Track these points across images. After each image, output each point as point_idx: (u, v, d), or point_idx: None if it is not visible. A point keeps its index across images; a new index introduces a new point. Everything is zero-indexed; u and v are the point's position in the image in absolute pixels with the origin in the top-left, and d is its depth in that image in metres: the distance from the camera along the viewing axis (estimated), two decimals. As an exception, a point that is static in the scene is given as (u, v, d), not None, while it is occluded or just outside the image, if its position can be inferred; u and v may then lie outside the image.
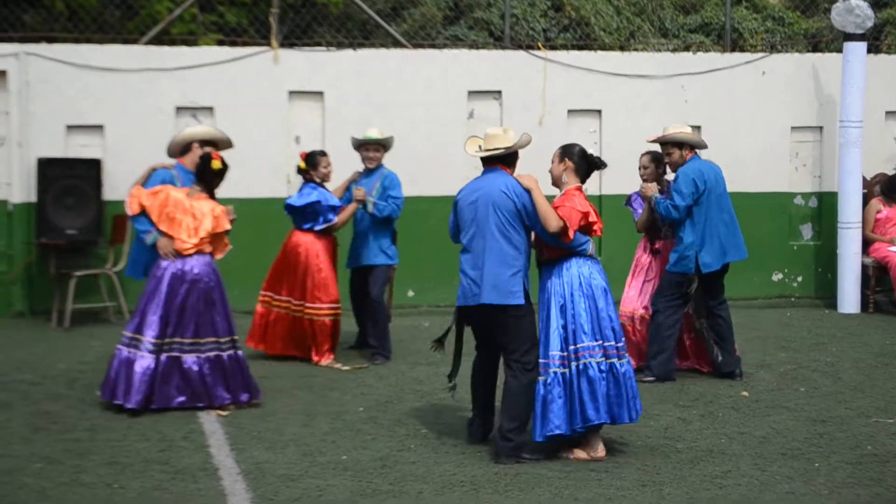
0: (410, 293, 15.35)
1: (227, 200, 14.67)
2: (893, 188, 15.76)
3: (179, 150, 11.18)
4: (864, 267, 15.46)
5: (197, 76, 14.74)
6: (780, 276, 16.32)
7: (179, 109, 14.73)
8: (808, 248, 16.46)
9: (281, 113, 14.96)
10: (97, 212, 14.17)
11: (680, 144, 11.49)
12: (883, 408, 10.36)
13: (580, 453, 8.90)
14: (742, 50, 17.04)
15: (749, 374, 11.65)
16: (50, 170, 14.07)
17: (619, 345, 8.93)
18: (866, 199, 15.75)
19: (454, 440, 9.28)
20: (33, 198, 14.20)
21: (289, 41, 15.34)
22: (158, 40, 15.03)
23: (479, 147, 9.12)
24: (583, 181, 9.25)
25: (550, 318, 8.85)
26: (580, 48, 16.44)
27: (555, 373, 8.79)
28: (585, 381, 8.76)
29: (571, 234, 8.78)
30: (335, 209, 12.13)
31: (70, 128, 14.45)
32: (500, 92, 15.55)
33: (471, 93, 15.48)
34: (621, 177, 15.81)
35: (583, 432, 8.84)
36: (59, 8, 15.05)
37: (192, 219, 10.21)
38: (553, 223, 8.70)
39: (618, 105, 15.77)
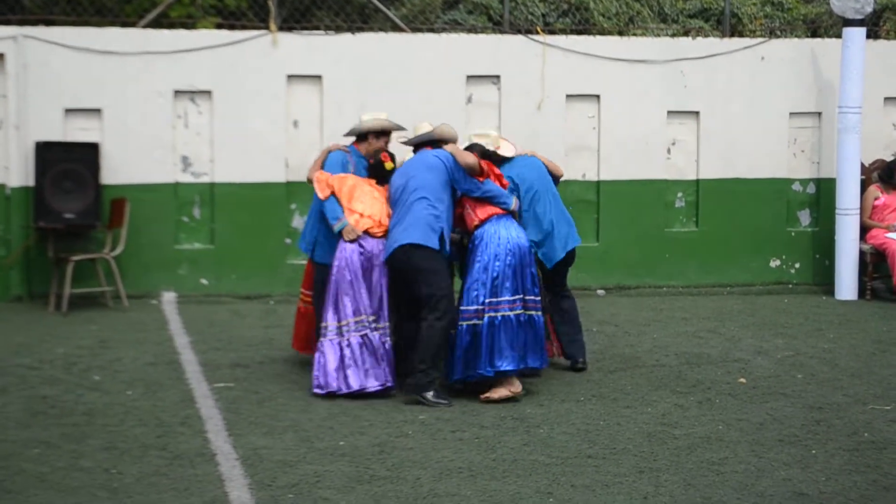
0: (408, 278, 15.32)
1: (225, 184, 14.76)
2: (892, 174, 15.76)
3: (357, 135, 11.10)
4: (862, 253, 15.46)
5: (195, 60, 14.71)
6: (778, 262, 16.32)
7: (178, 93, 14.70)
8: (806, 234, 16.46)
9: (279, 97, 14.94)
10: (95, 196, 14.14)
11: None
12: (880, 395, 10.38)
13: (500, 391, 9.96)
14: (741, 35, 17.01)
15: (747, 360, 11.67)
16: (48, 153, 14.05)
17: (538, 298, 10.10)
18: (864, 186, 15.74)
19: (452, 426, 9.29)
20: (31, 181, 14.18)
21: (287, 25, 15.31)
22: (157, 23, 15.00)
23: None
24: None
25: (471, 273, 10.05)
26: (579, 33, 16.42)
27: (466, 325, 9.96)
28: (503, 332, 9.93)
29: (485, 168, 10.28)
30: None
31: (68, 111, 14.42)
32: (498, 76, 15.52)
33: (469, 77, 15.45)
34: (620, 162, 15.83)
35: (497, 377, 9.97)
36: (58, -9, 15.03)
37: (381, 204, 10.49)
38: (469, 159, 10.14)
39: (616, 90, 15.75)
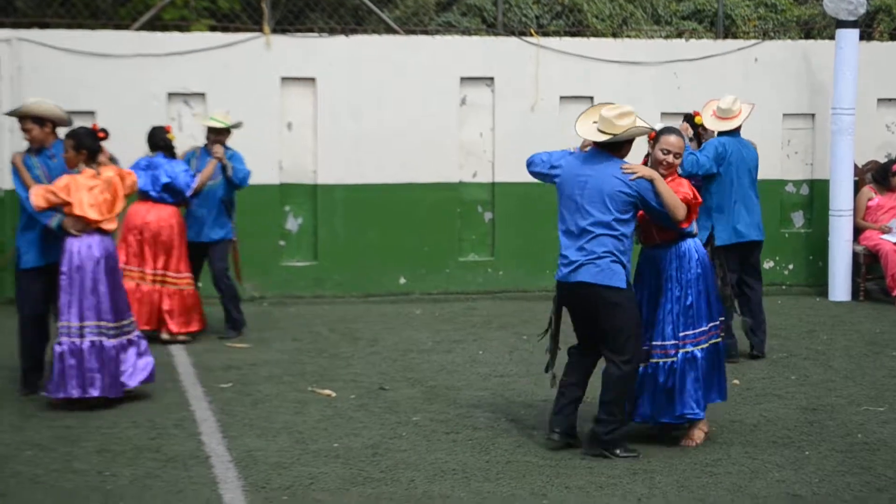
0: (402, 280, 15.34)
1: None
2: (885, 176, 15.77)
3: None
4: (856, 255, 15.47)
5: (189, 62, 14.71)
6: (772, 263, 16.33)
7: (171, 95, 14.70)
8: (800, 235, 16.47)
9: (273, 99, 14.94)
10: (89, 198, 14.11)
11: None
12: (873, 396, 10.39)
13: (697, 434, 8.91)
14: (734, 37, 17.03)
15: (740, 361, 11.66)
16: (42, 156, 14.02)
17: (721, 322, 8.91)
18: (858, 187, 15.76)
19: (446, 428, 9.30)
20: (25, 184, 14.15)
21: (281, 27, 15.31)
22: (151, 26, 15.00)
23: (594, 123, 8.72)
24: None
25: (660, 304, 8.73)
26: (573, 35, 16.43)
27: (656, 363, 8.72)
28: (699, 367, 8.72)
29: (694, 214, 8.68)
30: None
31: (62, 113, 14.42)
32: (492, 78, 15.53)
33: (463, 79, 15.46)
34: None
35: (699, 418, 8.84)
36: (51, -7, 15.03)
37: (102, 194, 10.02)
38: (681, 212, 8.52)
39: (610, 91, 15.70)
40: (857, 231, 15.55)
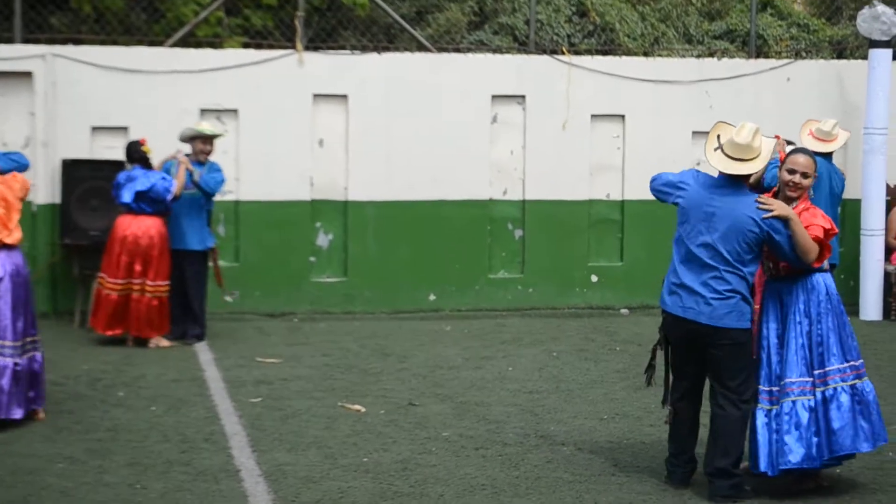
0: (432, 297, 15.36)
1: (250, 203, 14.80)
2: (917, 196, 15.74)
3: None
4: (887, 274, 15.41)
5: (222, 79, 14.78)
6: (803, 282, 16.26)
7: (204, 111, 14.76)
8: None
9: (305, 116, 14.99)
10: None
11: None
12: (905, 415, 10.34)
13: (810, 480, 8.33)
14: (766, 56, 17.00)
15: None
16: (74, 171, 14.12)
17: (862, 361, 8.27)
18: (890, 207, 15.70)
19: (475, 444, 9.29)
20: (57, 199, 14.26)
21: (314, 44, 15.36)
22: (184, 43, 15.07)
23: (720, 142, 8.18)
24: None
25: (789, 340, 8.13)
26: (604, 53, 16.44)
27: (794, 402, 8.04)
28: (835, 408, 8.05)
29: (826, 252, 8.06)
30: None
31: (95, 129, 14.50)
32: (523, 97, 15.55)
33: (494, 97, 15.48)
34: (644, 182, 15.77)
35: (831, 464, 8.29)
36: (86, 10, 15.10)
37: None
38: (812, 255, 7.93)
39: (641, 110, 15.76)
40: (889, 251, 15.50)
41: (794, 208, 8.02)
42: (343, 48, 15.48)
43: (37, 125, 14.39)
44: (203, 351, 12.72)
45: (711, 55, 16.95)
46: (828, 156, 11.40)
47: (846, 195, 16.12)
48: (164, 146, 14.29)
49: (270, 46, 15.34)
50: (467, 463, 8.80)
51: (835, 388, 8.07)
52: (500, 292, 15.59)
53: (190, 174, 12.96)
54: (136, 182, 12.79)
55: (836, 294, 8.25)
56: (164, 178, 12.83)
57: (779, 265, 8.19)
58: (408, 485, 8.26)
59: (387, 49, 15.66)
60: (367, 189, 15.13)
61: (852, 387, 8.12)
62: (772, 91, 16.06)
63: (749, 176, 8.13)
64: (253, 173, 14.86)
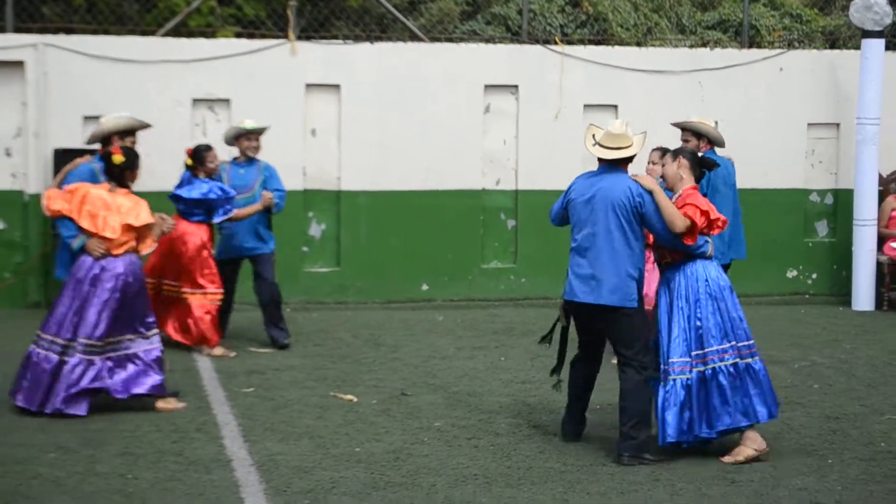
0: (425, 287, 15.36)
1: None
2: (910, 185, 15.76)
3: (100, 142, 11.11)
4: (880, 264, 15.43)
5: (214, 68, 14.76)
6: (795, 272, 16.31)
7: (196, 101, 14.75)
8: (824, 245, 16.44)
9: (298, 106, 14.98)
10: (113, 203, 14.18)
11: (699, 135, 11.37)
12: (897, 405, 10.37)
13: (745, 451, 8.72)
14: (759, 47, 17.01)
15: (763, 370, 11.63)
16: (66, 160, 14.03)
17: (751, 342, 8.80)
18: (882, 197, 15.72)
19: (467, 434, 9.30)
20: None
21: (306, 34, 15.35)
22: (176, 32, 15.06)
23: (595, 139, 9.03)
24: (698, 181, 9.05)
25: (672, 323, 8.76)
26: (597, 43, 16.44)
27: (674, 380, 8.65)
28: (715, 387, 8.65)
29: (697, 234, 8.68)
30: (231, 200, 12.01)
31: (87, 119, 14.46)
32: (516, 86, 15.55)
33: (487, 87, 15.48)
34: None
35: (714, 438, 8.79)
36: (78, 0, 15.08)
37: (116, 215, 9.76)
38: (679, 224, 8.59)
39: (634, 100, 15.75)
40: (882, 240, 15.50)
41: (681, 192, 8.85)
42: (336, 38, 15.47)
43: (28, 115, 14.37)
44: (195, 341, 12.71)
45: (704, 45, 16.97)
46: (711, 149, 11.28)
47: (838, 185, 16.33)
48: (156, 136, 14.29)
49: (263, 36, 15.33)
50: (459, 453, 8.80)
51: (713, 368, 8.66)
52: (493, 282, 15.60)
53: (270, 210, 12.37)
54: (194, 188, 12.01)
55: (720, 280, 8.81)
56: (224, 194, 11.98)
57: (665, 253, 8.87)
58: (400, 475, 8.26)
59: (379, 39, 15.65)
60: (360, 179, 15.13)
61: (734, 366, 8.69)
62: (764, 81, 16.07)
63: (627, 164, 8.96)
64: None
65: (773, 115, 16.12)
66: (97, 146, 11.47)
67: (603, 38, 16.73)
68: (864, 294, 15.43)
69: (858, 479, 8.32)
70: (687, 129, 11.40)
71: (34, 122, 14.35)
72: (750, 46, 16.70)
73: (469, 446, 8.99)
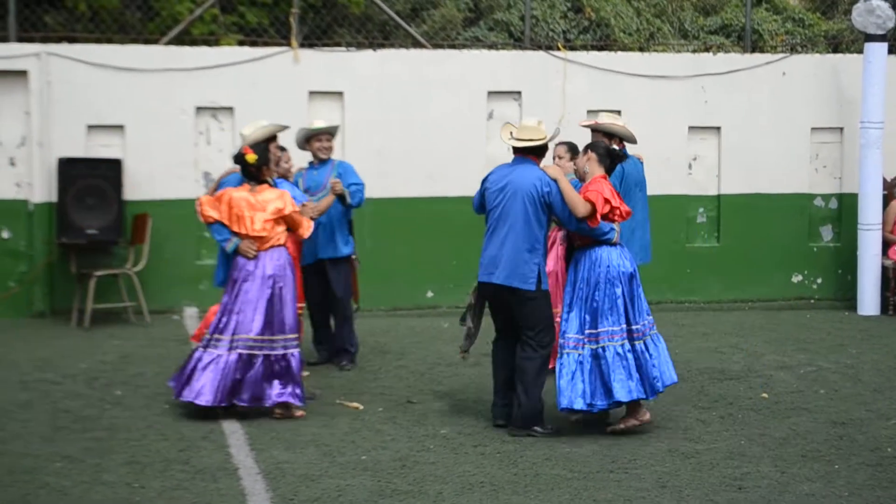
0: (430, 294, 15.36)
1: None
2: (914, 190, 15.74)
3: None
4: (885, 269, 15.41)
5: (217, 76, 14.77)
6: (800, 277, 16.29)
7: (199, 109, 14.76)
8: (828, 249, 16.42)
9: (301, 113, 14.96)
10: (118, 212, 14.20)
11: (610, 135, 11.06)
12: (903, 410, 10.36)
13: (628, 421, 9.56)
14: (762, 51, 17.01)
15: (769, 375, 11.64)
16: (70, 169, 14.11)
17: (643, 325, 9.57)
18: (886, 201, 15.70)
19: (474, 441, 9.29)
20: (54, 197, 14.24)
21: (309, 41, 15.35)
22: (179, 41, 15.06)
23: (511, 134, 9.74)
24: (608, 173, 9.74)
25: (573, 302, 9.56)
26: (600, 49, 16.43)
27: (568, 353, 9.46)
28: (605, 363, 9.41)
29: (598, 217, 9.35)
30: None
31: (91, 128, 14.49)
32: (519, 92, 15.54)
33: (490, 93, 15.48)
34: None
35: (607, 409, 9.56)
36: (81, 9, 15.09)
37: (262, 212, 10.09)
38: (581, 209, 9.30)
39: (637, 105, 15.74)
40: (886, 245, 15.49)
41: (587, 182, 9.57)
42: (338, 45, 15.48)
43: (32, 124, 14.37)
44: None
45: (707, 50, 16.96)
46: (624, 147, 11.10)
47: (842, 189, 16.32)
48: (160, 144, 14.34)
49: (266, 44, 15.33)
50: (466, 460, 8.80)
51: (603, 347, 9.46)
52: (497, 289, 15.56)
53: (341, 198, 11.83)
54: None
55: (622, 266, 9.53)
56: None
57: (576, 238, 9.65)
58: (406, 482, 8.26)
59: (382, 46, 15.66)
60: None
61: (622, 346, 9.45)
62: (767, 86, 16.06)
63: (540, 157, 9.74)
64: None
65: (777, 120, 16.11)
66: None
67: (605, 43, 16.72)
68: (869, 298, 15.41)
69: (865, 484, 8.31)
70: (597, 131, 11.06)
71: (38, 132, 14.35)
72: (753, 51, 16.69)
73: (475, 454, 8.98)
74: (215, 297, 14.46)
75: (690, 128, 15.88)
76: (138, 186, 14.49)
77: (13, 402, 10.38)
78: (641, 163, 11.22)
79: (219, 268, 10.78)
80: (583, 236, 9.58)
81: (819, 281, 16.34)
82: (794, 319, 15.03)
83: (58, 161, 14.17)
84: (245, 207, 10.06)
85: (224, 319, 10.02)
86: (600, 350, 9.45)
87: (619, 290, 9.49)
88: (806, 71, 16.19)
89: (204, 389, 9.80)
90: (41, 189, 14.36)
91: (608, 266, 9.50)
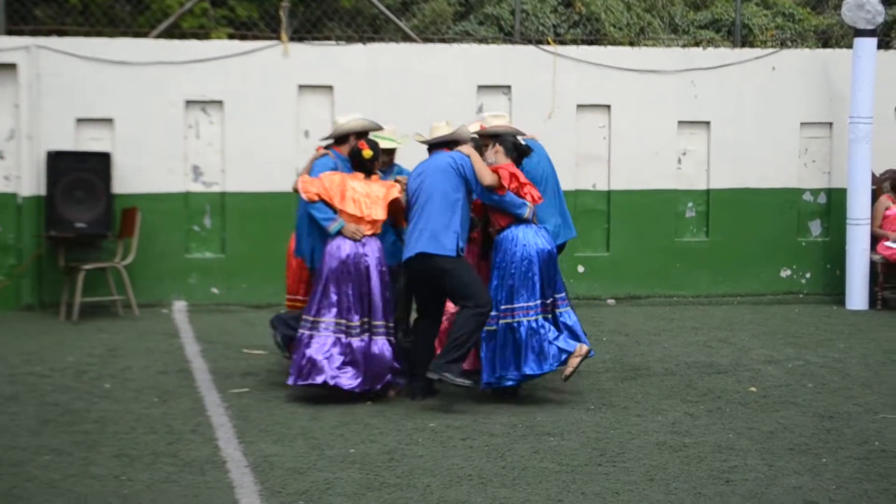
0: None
1: (236, 194, 14.81)
2: (903, 184, 15.77)
3: (336, 139, 11.05)
4: (873, 263, 15.45)
5: (207, 70, 14.76)
6: (789, 272, 16.32)
7: (189, 103, 14.75)
8: (817, 244, 16.45)
9: (290, 107, 14.98)
10: (106, 205, 14.19)
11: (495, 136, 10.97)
12: (891, 404, 10.36)
13: (574, 361, 10.17)
14: (752, 46, 17.02)
15: (757, 369, 11.66)
16: (59, 163, 14.09)
17: (556, 300, 10.36)
18: (875, 196, 15.73)
19: (462, 434, 9.29)
20: (42, 191, 14.23)
21: (299, 35, 15.35)
22: (169, 34, 15.05)
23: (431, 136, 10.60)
24: (517, 164, 10.46)
25: (492, 279, 10.23)
26: (590, 43, 16.44)
27: (484, 329, 10.14)
28: (520, 338, 10.09)
29: (505, 183, 10.14)
30: None
31: (80, 121, 14.48)
32: (509, 87, 15.55)
33: (480, 87, 15.48)
34: (630, 172, 15.84)
35: (516, 385, 10.27)
36: (71, 2, 15.08)
37: (379, 200, 10.44)
38: (488, 178, 10.11)
39: (627, 100, 15.76)
40: (875, 240, 15.52)
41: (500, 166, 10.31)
42: (328, 39, 15.47)
43: (21, 117, 14.35)
44: (189, 343, 12.70)
45: (697, 45, 16.98)
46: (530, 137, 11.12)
47: (831, 184, 16.35)
48: (149, 138, 14.32)
49: (255, 37, 15.32)
50: (454, 453, 8.80)
51: (518, 322, 10.10)
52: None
53: None
54: None
55: (537, 245, 10.18)
56: None
57: (496, 220, 10.32)
58: (395, 475, 8.25)
59: (372, 40, 15.65)
60: (353, 180, 15.10)
61: (536, 321, 10.10)
62: (757, 80, 16.08)
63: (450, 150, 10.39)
64: (238, 164, 14.85)
65: (766, 115, 16.14)
66: (330, 142, 11.19)
67: (596, 38, 16.74)
68: (857, 293, 15.44)
69: (853, 477, 8.32)
70: (484, 136, 10.96)
71: (27, 125, 14.33)
72: (742, 46, 16.71)
73: (464, 447, 8.98)
74: (203, 290, 14.57)
75: (680, 122, 15.89)
76: (127, 180, 14.48)
77: (1, 395, 10.37)
78: (542, 146, 11.29)
79: (303, 238, 10.88)
80: (500, 217, 10.26)
81: (808, 275, 16.38)
82: (783, 314, 15.06)
83: (47, 154, 14.16)
84: (362, 194, 10.41)
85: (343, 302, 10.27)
86: (515, 324, 10.10)
87: (535, 268, 10.13)
88: (795, 66, 16.21)
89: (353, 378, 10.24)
90: (30, 182, 14.34)
91: (524, 245, 10.16)
